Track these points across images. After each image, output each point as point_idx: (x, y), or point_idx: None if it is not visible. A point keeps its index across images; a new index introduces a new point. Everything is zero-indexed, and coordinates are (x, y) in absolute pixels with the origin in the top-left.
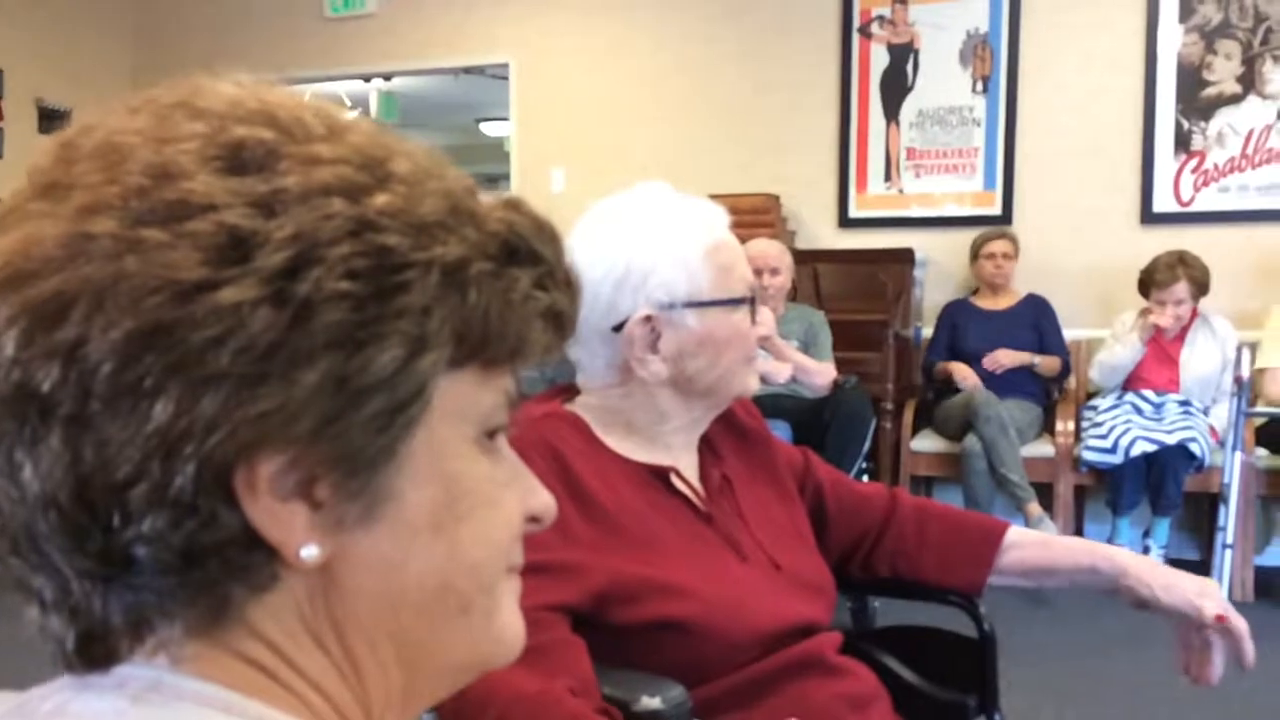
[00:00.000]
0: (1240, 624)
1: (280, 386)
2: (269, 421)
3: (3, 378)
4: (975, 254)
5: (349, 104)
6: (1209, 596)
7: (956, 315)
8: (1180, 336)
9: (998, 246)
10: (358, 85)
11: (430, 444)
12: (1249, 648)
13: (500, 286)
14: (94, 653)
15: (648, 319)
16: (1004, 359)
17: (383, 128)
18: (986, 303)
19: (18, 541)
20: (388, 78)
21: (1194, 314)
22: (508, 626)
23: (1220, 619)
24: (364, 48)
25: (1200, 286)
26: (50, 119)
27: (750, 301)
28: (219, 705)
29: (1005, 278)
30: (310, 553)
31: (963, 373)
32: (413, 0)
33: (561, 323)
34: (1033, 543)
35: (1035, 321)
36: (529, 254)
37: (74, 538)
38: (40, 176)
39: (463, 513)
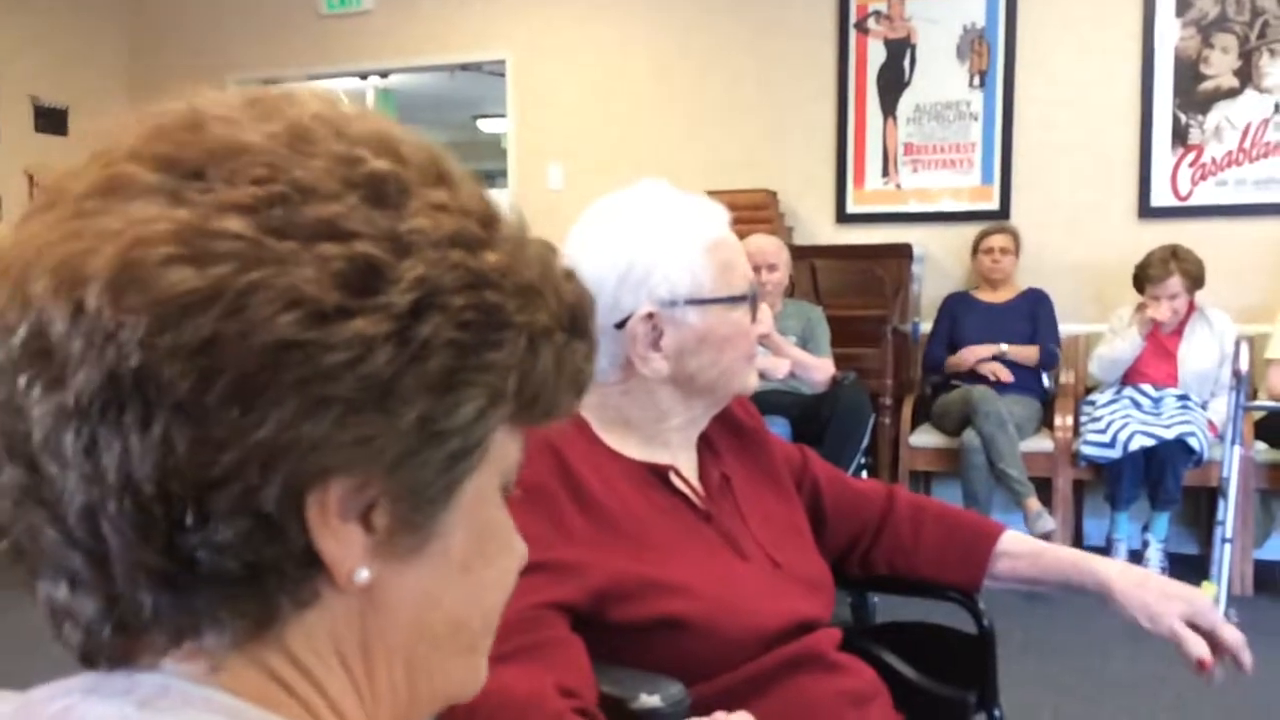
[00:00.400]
0: (1233, 637)
1: (381, 418)
2: (361, 448)
3: (122, 359)
4: (976, 249)
5: (346, 101)
6: (1200, 616)
7: (956, 308)
8: (1178, 331)
9: (996, 241)
10: (354, 82)
11: (477, 490)
12: (1246, 658)
13: (562, 356)
14: (127, 648)
15: (650, 316)
16: (972, 355)
17: (475, 176)
18: (985, 296)
19: (68, 517)
20: (384, 75)
21: (1191, 308)
22: (485, 669)
23: (1201, 665)
24: (360, 45)
25: (1194, 280)
26: (45, 117)
27: (751, 299)
28: (226, 713)
29: (1003, 273)
30: (362, 575)
31: (969, 356)
32: None
33: (582, 393)
34: (1025, 553)
35: (1032, 314)
36: (585, 328)
37: (142, 528)
38: (152, 147)
39: (489, 556)
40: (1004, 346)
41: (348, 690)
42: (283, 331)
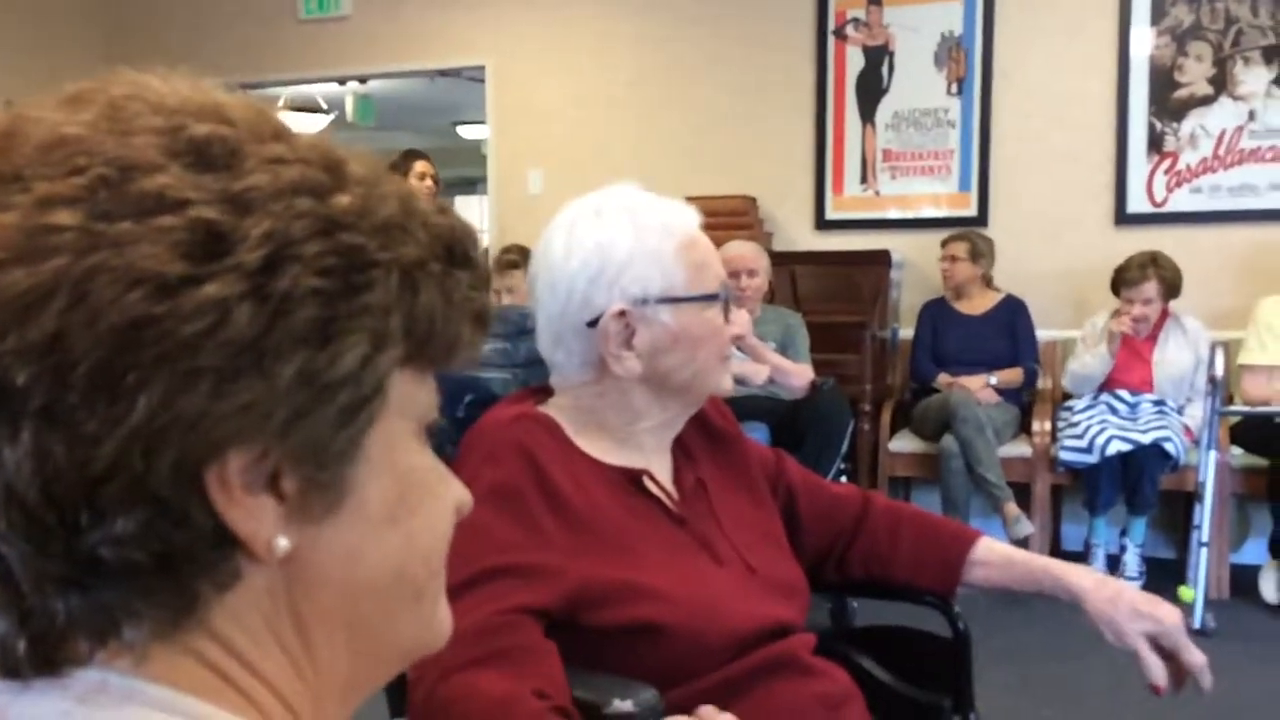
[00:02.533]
0: (1194, 660)
1: (258, 381)
2: (246, 416)
3: None
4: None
5: (324, 107)
6: (1165, 636)
7: (936, 318)
8: (1152, 337)
9: (951, 249)
10: (333, 88)
11: (385, 439)
12: (1206, 680)
13: (446, 287)
14: (49, 656)
15: (622, 314)
16: (970, 385)
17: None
18: (963, 305)
19: None
20: (363, 80)
21: (1165, 314)
22: (444, 612)
23: (1154, 689)
24: (339, 50)
25: (1170, 288)
26: None
27: (724, 299)
28: (166, 707)
29: (956, 280)
30: (281, 545)
31: (963, 385)
32: (388, 3)
33: (484, 323)
34: (998, 561)
35: (1011, 326)
36: (465, 256)
37: (37, 539)
38: None
39: (414, 504)
40: (992, 379)
41: (284, 666)
42: (131, 310)
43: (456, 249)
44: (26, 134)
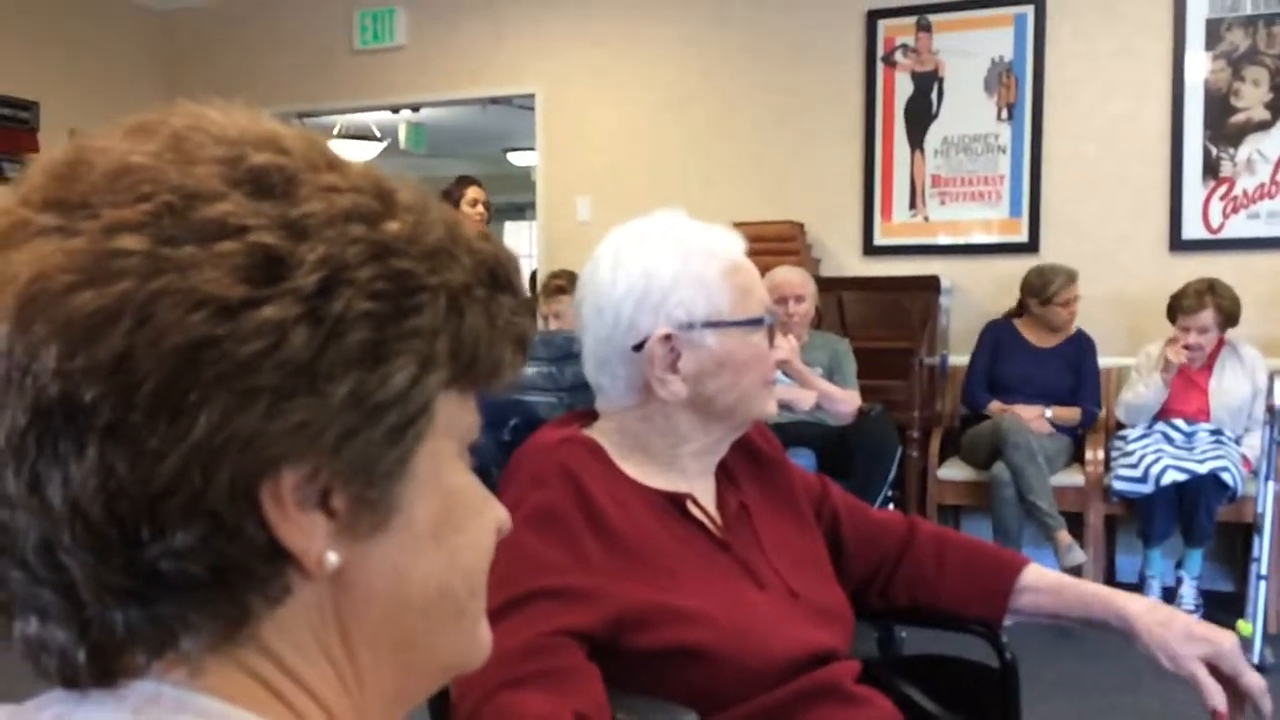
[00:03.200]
0: (1254, 684)
1: (312, 400)
2: (300, 434)
3: (40, 391)
4: (1043, 296)
5: (378, 134)
6: (1223, 659)
7: (999, 341)
8: (1208, 365)
9: (1075, 292)
10: (386, 115)
11: (431, 458)
12: (1266, 705)
13: (490, 311)
14: (107, 667)
15: (667, 338)
16: (1023, 415)
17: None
18: (1032, 335)
19: (27, 556)
20: (416, 108)
21: (1221, 342)
22: (485, 630)
23: (1215, 714)
24: (393, 79)
25: (1228, 317)
26: None
27: (769, 324)
28: (218, 719)
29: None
30: (332, 560)
31: (1015, 412)
32: (441, 33)
33: (525, 346)
34: (1048, 588)
35: (1077, 364)
36: (508, 281)
37: (100, 552)
38: (39, 192)
39: (458, 522)
40: (1048, 412)
41: (330, 680)
42: (193, 331)
43: (499, 274)
44: (93, 163)
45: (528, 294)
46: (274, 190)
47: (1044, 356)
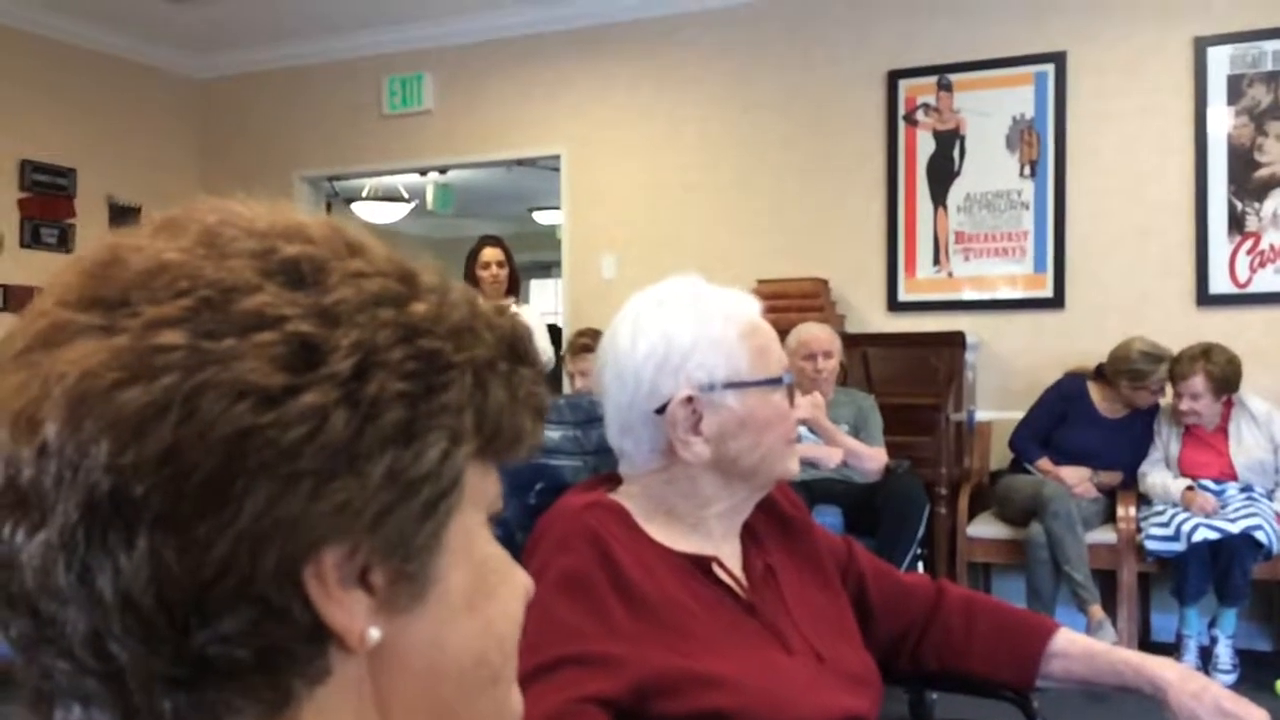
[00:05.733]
0: None
1: (352, 481)
2: (341, 514)
3: (92, 487)
4: (1138, 382)
5: (406, 195)
6: None
7: (1070, 405)
8: (1222, 428)
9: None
10: (414, 178)
11: (463, 529)
12: None
13: (511, 384)
14: None
15: (689, 400)
16: (1068, 479)
17: (385, 239)
18: (1104, 404)
19: (74, 648)
20: (443, 170)
21: (1229, 404)
22: (516, 695)
23: None
24: (421, 142)
25: (1221, 383)
26: (121, 215)
27: (788, 384)
28: None
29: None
30: (374, 636)
31: (1066, 479)
32: (467, 97)
33: (543, 416)
34: (1079, 654)
35: (1138, 438)
36: (526, 354)
37: (149, 641)
38: (76, 292)
39: (489, 590)
40: (1098, 478)
41: None
42: (238, 421)
43: (518, 347)
44: (127, 261)
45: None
46: (305, 280)
47: (1110, 428)
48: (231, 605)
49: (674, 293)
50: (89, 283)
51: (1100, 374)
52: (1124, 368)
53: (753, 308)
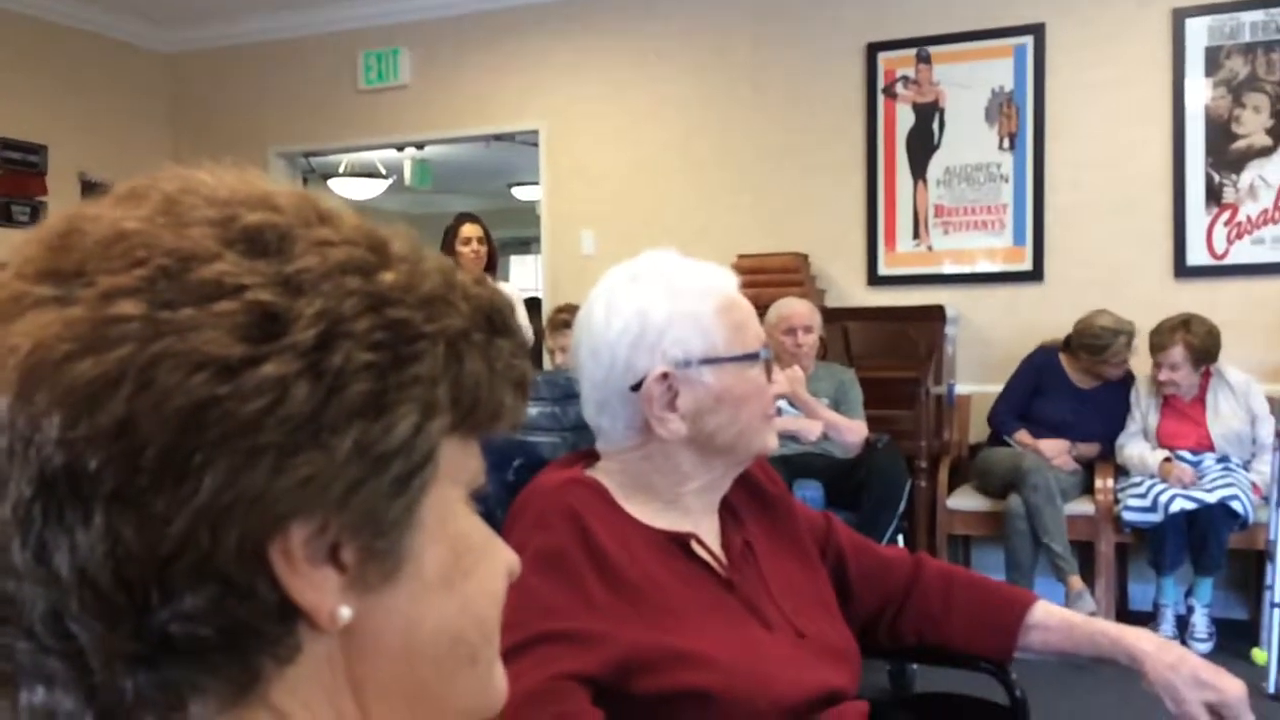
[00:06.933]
0: None
1: (317, 455)
2: (306, 489)
3: (45, 461)
4: (1100, 357)
5: (383, 171)
6: (1226, 708)
7: (1044, 378)
8: (1199, 398)
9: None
10: (391, 153)
11: (438, 506)
12: None
13: (489, 356)
14: None
15: (665, 376)
16: (1047, 451)
17: (361, 212)
18: (1077, 375)
19: (34, 626)
20: (420, 146)
21: (1208, 374)
22: (500, 674)
23: None
24: (398, 117)
25: (1200, 353)
26: (93, 192)
27: (765, 359)
28: None
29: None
30: (344, 614)
31: (1039, 449)
32: (444, 71)
33: (525, 389)
34: (1057, 625)
35: (1114, 405)
36: (504, 325)
37: (109, 618)
38: (34, 264)
39: (468, 568)
40: (1076, 450)
41: None
42: (195, 393)
43: (496, 318)
44: (86, 231)
45: (524, 337)
46: (268, 248)
47: (1085, 398)
48: (193, 582)
49: (648, 268)
50: (46, 254)
51: (1069, 346)
52: (1084, 341)
53: (729, 282)
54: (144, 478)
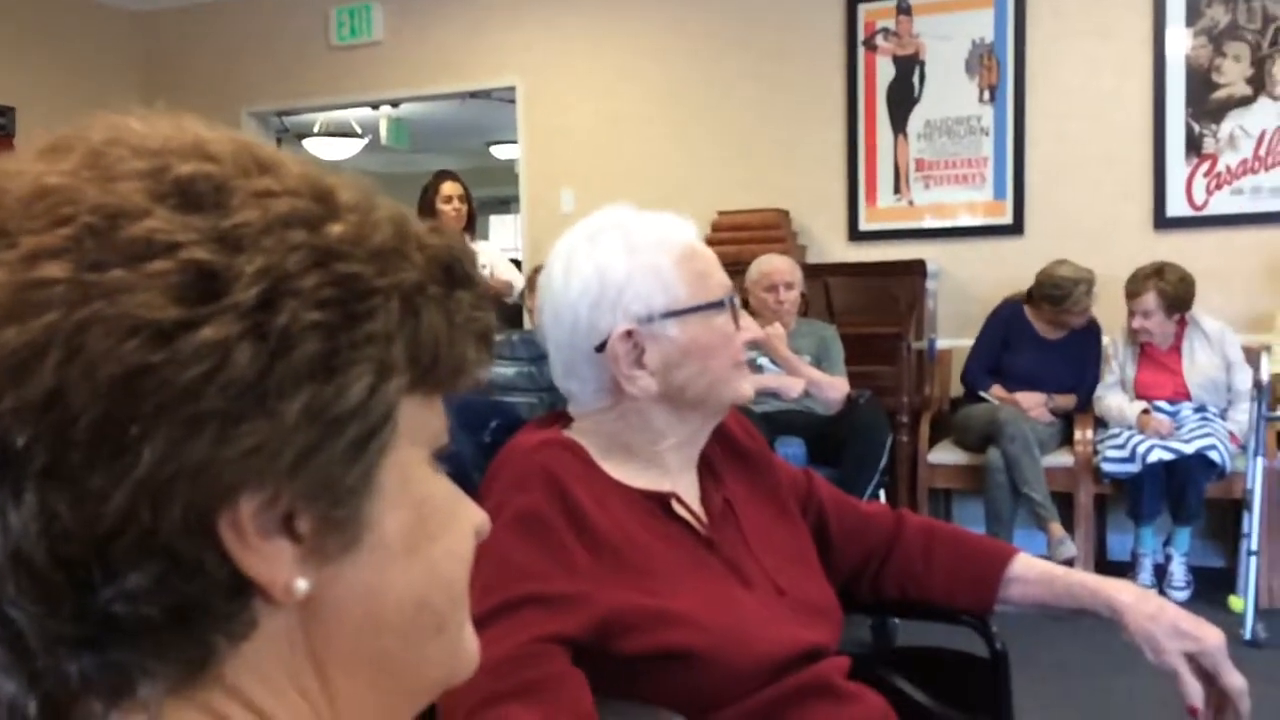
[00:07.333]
0: (1234, 684)
1: (263, 422)
2: (254, 458)
3: None
4: (1060, 306)
5: (359, 131)
6: (1205, 656)
7: (1010, 330)
8: (1175, 347)
9: (1092, 300)
10: (366, 112)
11: (399, 469)
12: (1244, 706)
13: (448, 309)
14: (60, 717)
15: (628, 334)
16: (1023, 403)
17: (309, 159)
18: (1042, 326)
19: None
20: (395, 104)
21: (1183, 323)
22: (470, 639)
23: (1191, 711)
24: (371, 75)
25: (1173, 300)
26: None
27: (731, 305)
28: None
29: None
30: (301, 587)
31: (1014, 401)
32: (418, 27)
33: (489, 342)
34: (1037, 578)
35: (1083, 354)
36: (464, 276)
37: (47, 600)
38: None
39: (433, 532)
40: (1050, 402)
41: (303, 714)
42: (128, 360)
43: (455, 269)
44: (6, 188)
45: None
46: (203, 201)
47: (1051, 348)
48: (136, 560)
49: (604, 225)
50: None
51: (1031, 297)
52: (1045, 291)
53: (687, 232)
54: (77, 452)
